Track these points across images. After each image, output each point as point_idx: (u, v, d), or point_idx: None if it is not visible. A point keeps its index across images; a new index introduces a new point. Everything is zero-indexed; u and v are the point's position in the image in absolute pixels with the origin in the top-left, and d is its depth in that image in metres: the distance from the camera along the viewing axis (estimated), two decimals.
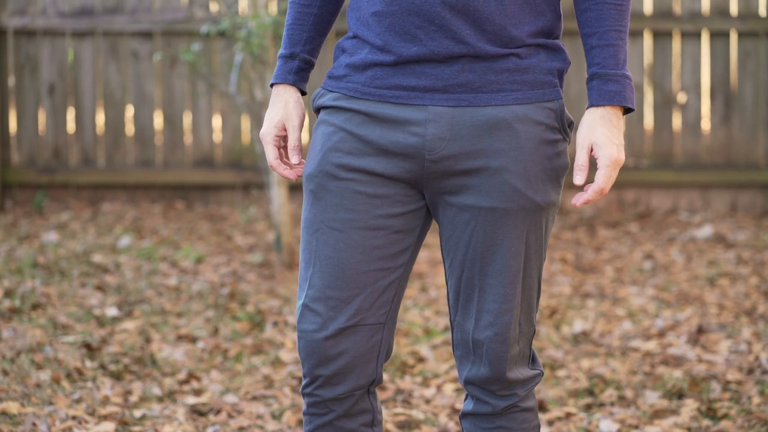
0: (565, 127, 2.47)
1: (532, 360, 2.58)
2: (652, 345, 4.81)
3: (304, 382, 2.54)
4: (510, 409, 2.55)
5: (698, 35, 7.74)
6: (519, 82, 2.42)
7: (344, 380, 2.50)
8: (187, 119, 7.87)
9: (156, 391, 4.17)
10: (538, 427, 2.61)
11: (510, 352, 2.49)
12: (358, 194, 2.45)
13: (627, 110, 2.46)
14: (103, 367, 4.42)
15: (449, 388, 4.26)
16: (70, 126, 7.90)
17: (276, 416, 4.00)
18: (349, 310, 2.47)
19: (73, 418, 3.86)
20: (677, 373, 4.42)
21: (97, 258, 6.23)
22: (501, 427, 2.56)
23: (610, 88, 2.43)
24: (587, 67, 2.46)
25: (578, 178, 2.40)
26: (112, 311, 5.20)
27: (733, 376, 4.38)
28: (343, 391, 2.51)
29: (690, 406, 4.05)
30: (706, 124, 7.85)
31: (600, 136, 2.41)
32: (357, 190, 2.45)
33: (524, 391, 2.55)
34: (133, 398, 4.10)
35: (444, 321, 5.15)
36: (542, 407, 4.08)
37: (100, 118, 7.92)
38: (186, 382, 4.32)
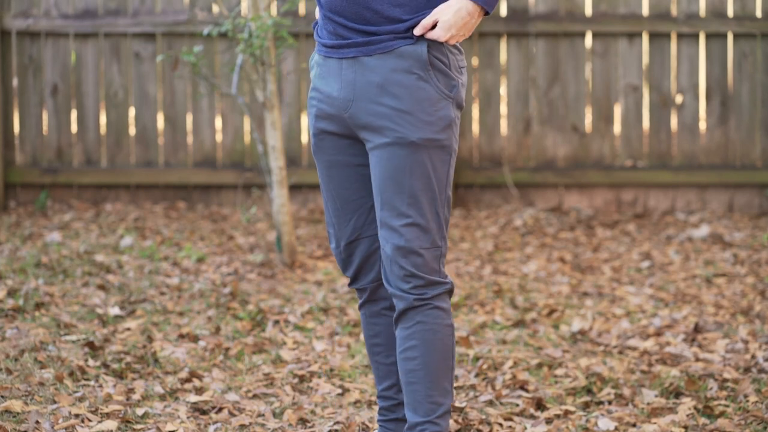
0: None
1: None
2: (649, 344, 4.83)
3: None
4: None
5: (695, 37, 7.76)
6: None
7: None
8: (188, 120, 7.90)
9: (158, 389, 4.20)
10: None
11: None
12: None
13: (485, 14, 3.13)
14: (105, 365, 4.45)
15: None
16: (73, 127, 7.92)
17: (277, 414, 4.03)
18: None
19: (76, 416, 3.88)
20: (674, 372, 4.45)
21: (100, 257, 6.25)
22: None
23: None
24: None
25: (417, 30, 3.12)
26: (114, 310, 5.22)
27: (729, 374, 4.40)
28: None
29: (687, 404, 4.07)
30: (703, 125, 7.87)
31: (447, 11, 3.10)
32: None
33: None
34: (136, 396, 4.13)
35: None
36: (540, 405, 4.11)
37: (103, 119, 7.95)
38: (188, 380, 4.35)
